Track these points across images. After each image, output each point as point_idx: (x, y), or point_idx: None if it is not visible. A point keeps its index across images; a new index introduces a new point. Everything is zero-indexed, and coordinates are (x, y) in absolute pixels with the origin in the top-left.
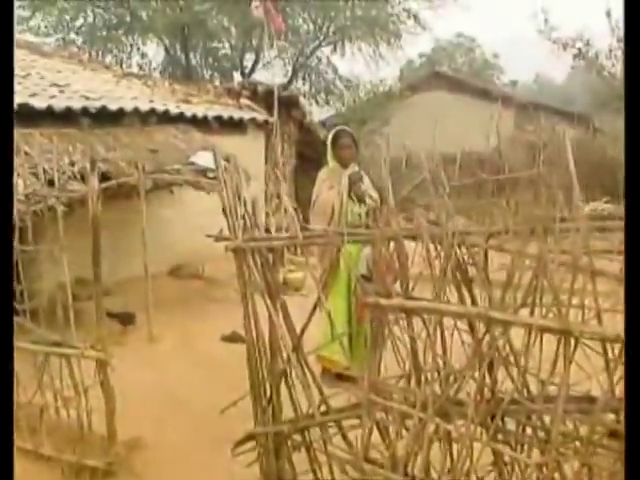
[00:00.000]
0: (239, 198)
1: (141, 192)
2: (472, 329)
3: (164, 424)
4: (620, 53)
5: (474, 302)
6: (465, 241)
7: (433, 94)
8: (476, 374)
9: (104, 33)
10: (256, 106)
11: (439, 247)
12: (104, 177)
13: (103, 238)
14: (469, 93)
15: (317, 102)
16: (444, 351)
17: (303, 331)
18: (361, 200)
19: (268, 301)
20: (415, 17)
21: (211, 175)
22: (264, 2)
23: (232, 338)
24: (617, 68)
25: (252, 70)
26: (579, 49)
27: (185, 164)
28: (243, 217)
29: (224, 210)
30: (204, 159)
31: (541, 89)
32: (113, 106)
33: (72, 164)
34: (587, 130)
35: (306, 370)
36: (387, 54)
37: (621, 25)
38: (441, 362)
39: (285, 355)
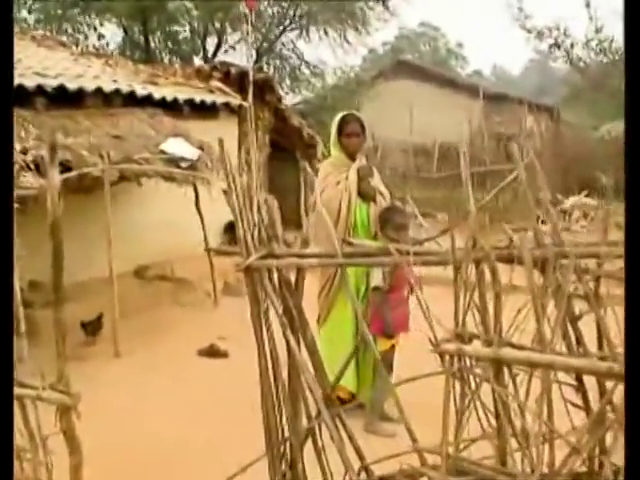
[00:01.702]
0: (250, 201)
1: (105, 184)
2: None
3: (138, 471)
4: (596, 43)
5: (584, 350)
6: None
7: (399, 83)
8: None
9: (59, 12)
10: (228, 89)
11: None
12: (63, 167)
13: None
14: (435, 82)
15: (282, 89)
16: (550, 414)
17: (339, 378)
18: (371, 198)
19: (290, 335)
20: (384, 2)
21: (184, 165)
22: None
23: (210, 352)
24: (593, 59)
25: (214, 55)
26: (555, 38)
27: (155, 152)
28: (257, 225)
29: (235, 217)
30: (176, 147)
31: (498, 80)
32: (72, 85)
33: (24, 152)
34: (555, 122)
35: (341, 427)
36: (354, 41)
37: (599, 14)
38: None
39: (313, 407)
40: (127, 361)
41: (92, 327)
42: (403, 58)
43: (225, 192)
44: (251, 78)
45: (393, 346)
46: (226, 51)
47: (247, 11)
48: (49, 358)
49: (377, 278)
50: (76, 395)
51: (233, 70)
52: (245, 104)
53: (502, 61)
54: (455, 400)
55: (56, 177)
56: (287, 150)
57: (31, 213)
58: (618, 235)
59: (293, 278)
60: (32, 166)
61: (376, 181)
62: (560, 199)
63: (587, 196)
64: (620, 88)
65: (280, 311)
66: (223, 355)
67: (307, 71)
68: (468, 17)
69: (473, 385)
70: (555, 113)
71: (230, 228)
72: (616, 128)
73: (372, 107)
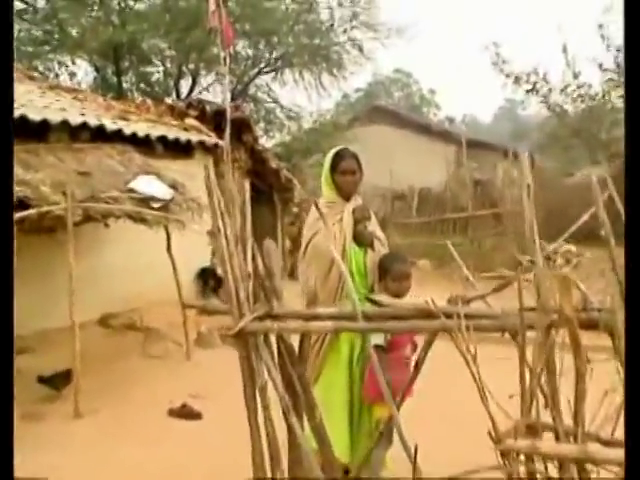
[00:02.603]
0: (243, 246)
1: (69, 224)
2: None
3: None
4: (573, 89)
5: None
6: None
7: (375, 128)
8: None
9: (29, 49)
10: (204, 127)
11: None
12: (21, 204)
13: (17, 279)
14: (410, 128)
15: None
16: None
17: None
18: (368, 244)
19: (294, 420)
20: (359, 47)
21: (155, 205)
22: (219, 9)
23: (183, 413)
24: (570, 105)
25: (187, 97)
26: (534, 83)
27: (124, 191)
28: (251, 277)
29: (223, 266)
30: (147, 185)
31: (469, 128)
32: (36, 117)
33: None
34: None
35: None
36: (329, 85)
37: (576, 61)
38: None
39: None
40: (89, 422)
41: (58, 381)
42: (378, 103)
43: (211, 234)
44: (228, 116)
45: None
46: (200, 93)
47: (223, 45)
48: None
49: (378, 335)
50: None
51: (208, 108)
52: (221, 143)
53: (472, 109)
54: None
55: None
56: (264, 193)
57: None
58: (601, 281)
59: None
60: None
61: (373, 225)
62: (544, 245)
63: (568, 242)
64: (597, 135)
65: (281, 388)
66: (196, 416)
67: (281, 114)
68: (441, 64)
69: None
70: (530, 160)
71: (203, 274)
72: (592, 174)
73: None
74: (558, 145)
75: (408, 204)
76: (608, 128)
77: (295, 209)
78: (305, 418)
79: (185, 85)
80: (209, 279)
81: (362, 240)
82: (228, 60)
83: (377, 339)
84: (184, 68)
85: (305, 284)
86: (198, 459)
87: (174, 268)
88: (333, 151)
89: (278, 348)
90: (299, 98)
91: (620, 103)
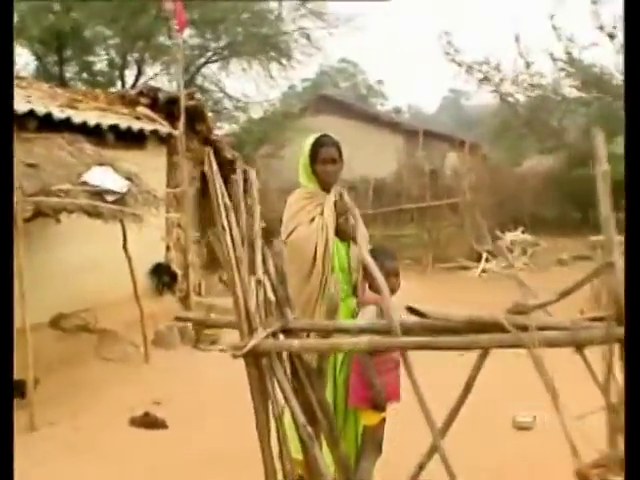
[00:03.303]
0: (252, 246)
1: (17, 220)
2: None
3: None
4: (525, 78)
5: None
6: None
7: (323, 118)
8: None
9: None
10: (156, 116)
11: None
12: None
13: None
14: (358, 118)
15: None
16: None
17: None
18: (351, 238)
19: (316, 450)
20: (308, 37)
21: (110, 198)
22: None
23: (146, 422)
24: (522, 94)
25: (133, 87)
26: (485, 73)
27: (76, 184)
28: (262, 284)
29: (228, 270)
30: (101, 177)
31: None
32: None
33: None
34: (479, 158)
35: None
36: (277, 75)
37: (529, 51)
38: None
39: None
40: (45, 435)
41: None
42: (326, 93)
43: (210, 233)
44: (182, 104)
45: (383, 420)
46: (145, 83)
47: (177, 27)
48: None
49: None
50: None
51: (161, 96)
52: (175, 133)
53: (417, 99)
54: None
55: None
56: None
57: None
58: (561, 271)
59: None
60: None
61: (355, 217)
62: (499, 235)
63: (524, 232)
64: (547, 124)
65: (301, 416)
66: (161, 425)
67: (230, 104)
68: (388, 54)
69: None
70: (478, 149)
71: (157, 269)
72: (539, 163)
73: (299, 142)
74: (508, 135)
75: (361, 195)
76: (559, 118)
77: (250, 201)
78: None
79: (130, 75)
80: (163, 275)
81: (344, 234)
82: (181, 44)
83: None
84: (129, 57)
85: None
86: (164, 473)
87: (130, 265)
88: (313, 138)
89: (292, 367)
90: (247, 88)
91: (570, 92)
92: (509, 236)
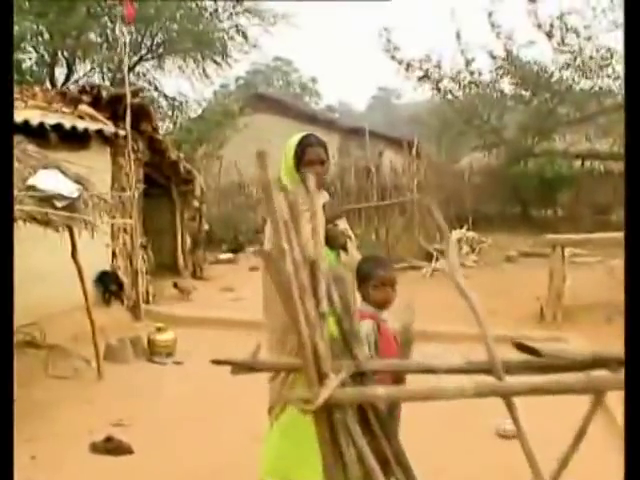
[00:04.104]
0: (313, 270)
1: None
2: None
3: None
4: (466, 76)
5: None
6: None
7: (258, 117)
8: None
9: None
10: (100, 115)
11: None
12: None
13: None
14: (294, 117)
15: None
16: None
17: None
18: (341, 245)
19: None
20: (244, 34)
21: (60, 204)
22: None
23: (109, 448)
24: (460, 91)
25: (63, 86)
26: (426, 70)
27: (22, 189)
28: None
29: (288, 304)
30: (49, 181)
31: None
32: None
33: None
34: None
35: None
36: (212, 73)
37: (471, 47)
38: None
39: None
40: None
41: None
42: (261, 91)
43: (263, 254)
44: (128, 102)
45: None
46: (76, 81)
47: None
48: None
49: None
50: None
51: (104, 93)
52: (121, 133)
53: (347, 97)
54: None
55: None
56: (161, 186)
57: None
58: (511, 268)
59: None
60: None
61: (342, 222)
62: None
63: (468, 230)
64: (487, 120)
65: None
66: (127, 450)
67: (165, 103)
68: (322, 51)
69: None
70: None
71: (102, 278)
72: (477, 160)
73: (235, 141)
74: (447, 133)
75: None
76: (498, 115)
77: (196, 203)
78: None
79: (60, 74)
80: (110, 284)
81: (334, 241)
82: (126, 37)
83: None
84: (59, 55)
85: (268, 298)
86: None
87: (81, 275)
88: (298, 137)
89: (361, 415)
90: (183, 87)
91: (510, 90)
92: (455, 234)
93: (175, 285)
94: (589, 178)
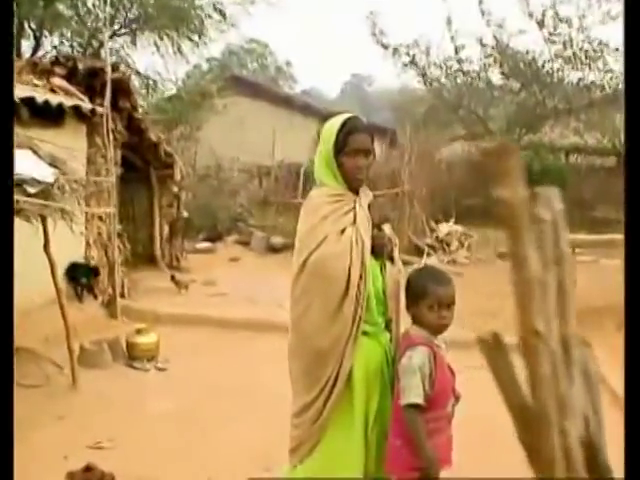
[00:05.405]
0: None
1: None
2: None
3: None
4: (453, 64)
5: None
6: None
7: (233, 99)
8: None
9: None
10: (75, 90)
11: None
12: None
13: None
14: (270, 100)
15: None
16: None
17: None
18: (387, 255)
19: None
20: (222, 12)
21: (32, 190)
22: None
23: (90, 477)
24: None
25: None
26: (413, 56)
27: None
28: None
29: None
30: (21, 164)
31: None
32: None
33: None
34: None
35: None
36: (188, 52)
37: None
38: None
39: None
40: None
41: None
42: (236, 73)
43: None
44: (109, 76)
45: None
46: (44, 56)
47: None
48: None
49: (415, 388)
50: None
51: (81, 66)
52: (100, 110)
53: (320, 83)
54: None
55: None
56: (139, 169)
57: None
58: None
59: None
60: None
61: (387, 227)
62: (434, 227)
63: (456, 223)
64: (471, 108)
65: None
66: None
67: (138, 81)
68: (299, 35)
69: None
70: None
71: (73, 270)
72: (455, 151)
73: (212, 123)
74: (433, 121)
75: (285, 183)
76: (485, 105)
77: (175, 189)
78: None
79: (27, 47)
80: (80, 276)
81: (380, 249)
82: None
83: (413, 395)
84: (26, 26)
85: (301, 318)
86: None
87: (53, 269)
88: (338, 121)
89: None
90: (157, 65)
91: (498, 80)
92: (444, 228)
93: (172, 278)
94: (574, 173)
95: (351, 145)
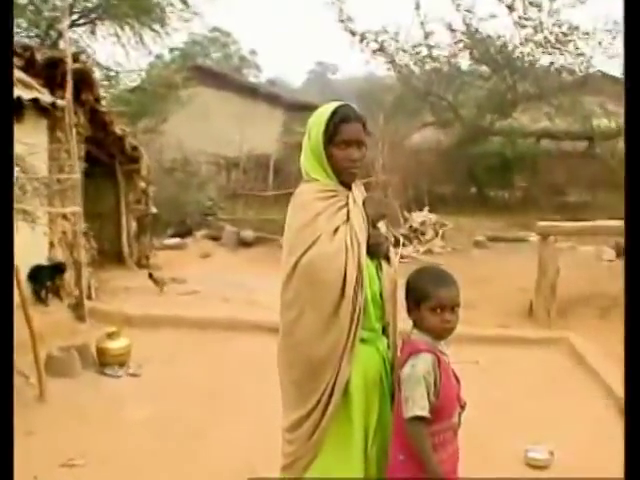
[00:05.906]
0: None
1: None
2: None
3: None
4: (422, 50)
5: None
6: None
7: (198, 90)
8: None
9: None
10: (34, 82)
11: None
12: None
13: None
14: (234, 90)
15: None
16: None
17: None
18: (384, 255)
19: None
20: (184, 1)
21: None
22: None
23: None
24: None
25: None
26: (381, 42)
27: None
28: None
29: None
30: None
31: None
32: None
33: None
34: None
35: None
36: (150, 42)
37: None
38: None
39: None
40: None
41: None
42: (199, 63)
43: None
44: (69, 67)
45: None
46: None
47: None
48: None
49: (419, 400)
50: None
51: (39, 56)
52: (61, 103)
53: (284, 71)
54: None
55: None
56: (104, 164)
57: None
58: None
59: None
60: None
61: (383, 224)
62: (407, 216)
63: (430, 211)
64: (441, 95)
65: None
66: None
67: (99, 72)
68: (261, 23)
69: None
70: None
71: (36, 273)
72: (426, 138)
73: (175, 115)
74: (401, 109)
75: (247, 173)
76: (455, 91)
77: (142, 184)
78: None
79: None
80: (45, 279)
81: (376, 249)
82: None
83: (418, 407)
84: None
85: (293, 324)
86: None
87: (16, 274)
88: (328, 110)
89: None
90: (119, 56)
91: (468, 66)
92: (418, 217)
93: (150, 276)
94: (546, 158)
95: (342, 135)
